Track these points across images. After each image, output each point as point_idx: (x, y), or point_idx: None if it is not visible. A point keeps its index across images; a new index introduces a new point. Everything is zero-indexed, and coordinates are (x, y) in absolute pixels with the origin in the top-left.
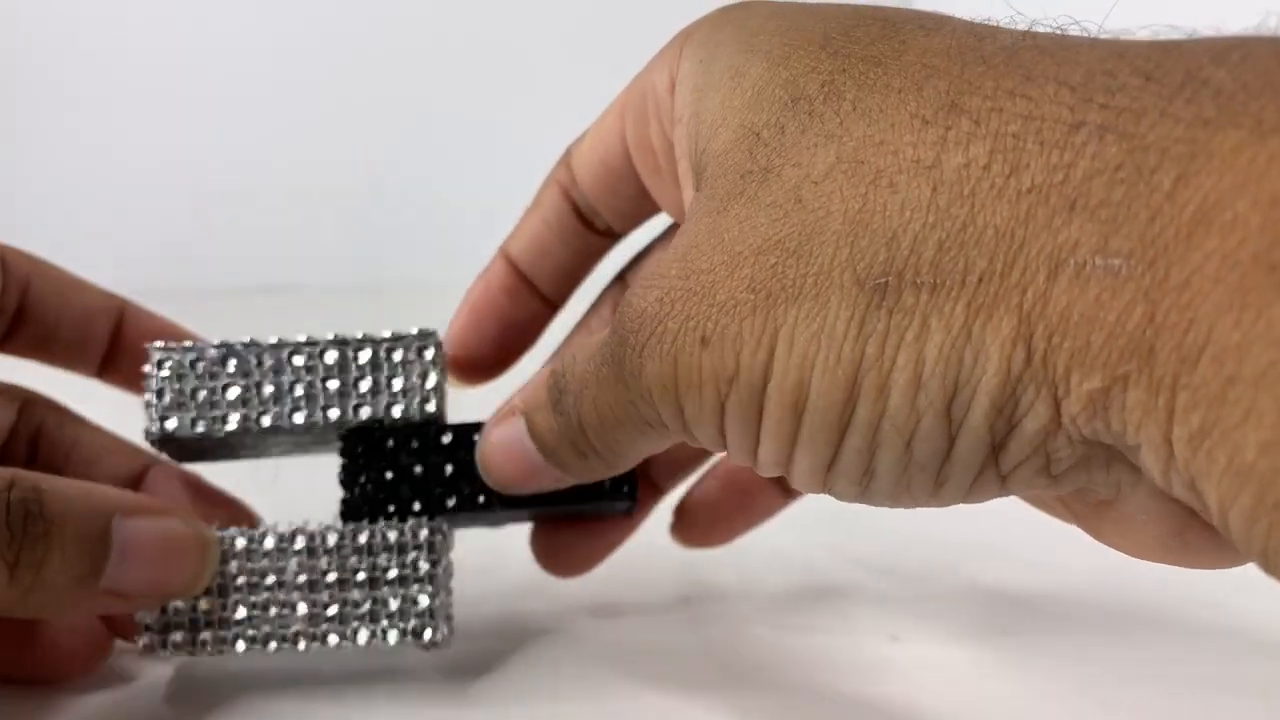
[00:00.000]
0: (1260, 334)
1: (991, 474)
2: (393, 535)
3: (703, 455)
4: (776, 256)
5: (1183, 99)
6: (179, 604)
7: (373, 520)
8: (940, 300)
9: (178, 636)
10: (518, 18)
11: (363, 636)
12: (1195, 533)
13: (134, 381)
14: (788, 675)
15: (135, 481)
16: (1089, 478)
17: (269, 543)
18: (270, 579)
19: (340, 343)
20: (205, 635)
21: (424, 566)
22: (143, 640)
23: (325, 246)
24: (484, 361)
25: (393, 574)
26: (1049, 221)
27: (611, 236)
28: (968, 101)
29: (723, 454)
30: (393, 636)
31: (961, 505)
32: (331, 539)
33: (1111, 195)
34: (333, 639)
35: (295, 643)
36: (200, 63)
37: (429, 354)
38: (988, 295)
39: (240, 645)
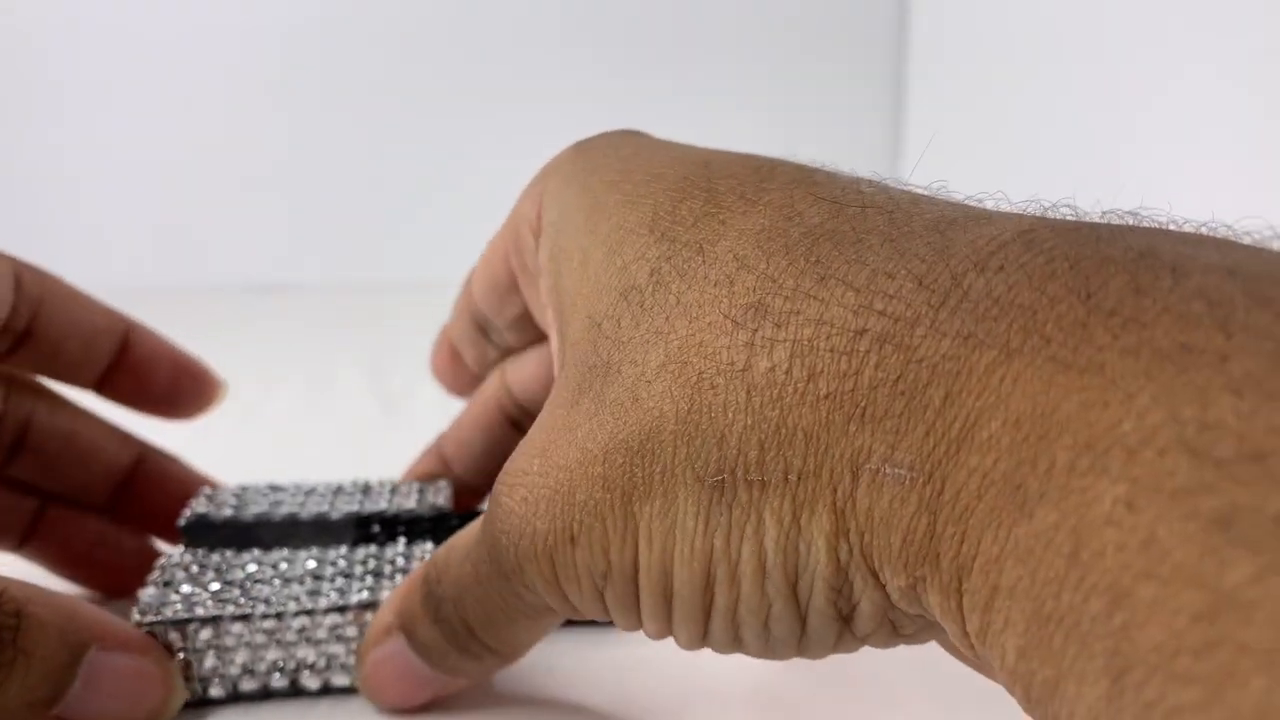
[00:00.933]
0: (1010, 551)
1: (849, 637)
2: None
3: None
4: (623, 456)
5: (948, 309)
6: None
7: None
8: (770, 496)
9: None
10: (517, 18)
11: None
12: None
13: (130, 399)
14: (787, 674)
15: (133, 466)
16: (938, 635)
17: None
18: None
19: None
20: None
21: None
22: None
23: (324, 246)
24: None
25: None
26: (845, 427)
27: (508, 350)
28: (771, 302)
29: None
30: None
31: None
32: (343, 563)
33: (893, 407)
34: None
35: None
36: (200, 62)
37: (442, 499)
38: (808, 492)
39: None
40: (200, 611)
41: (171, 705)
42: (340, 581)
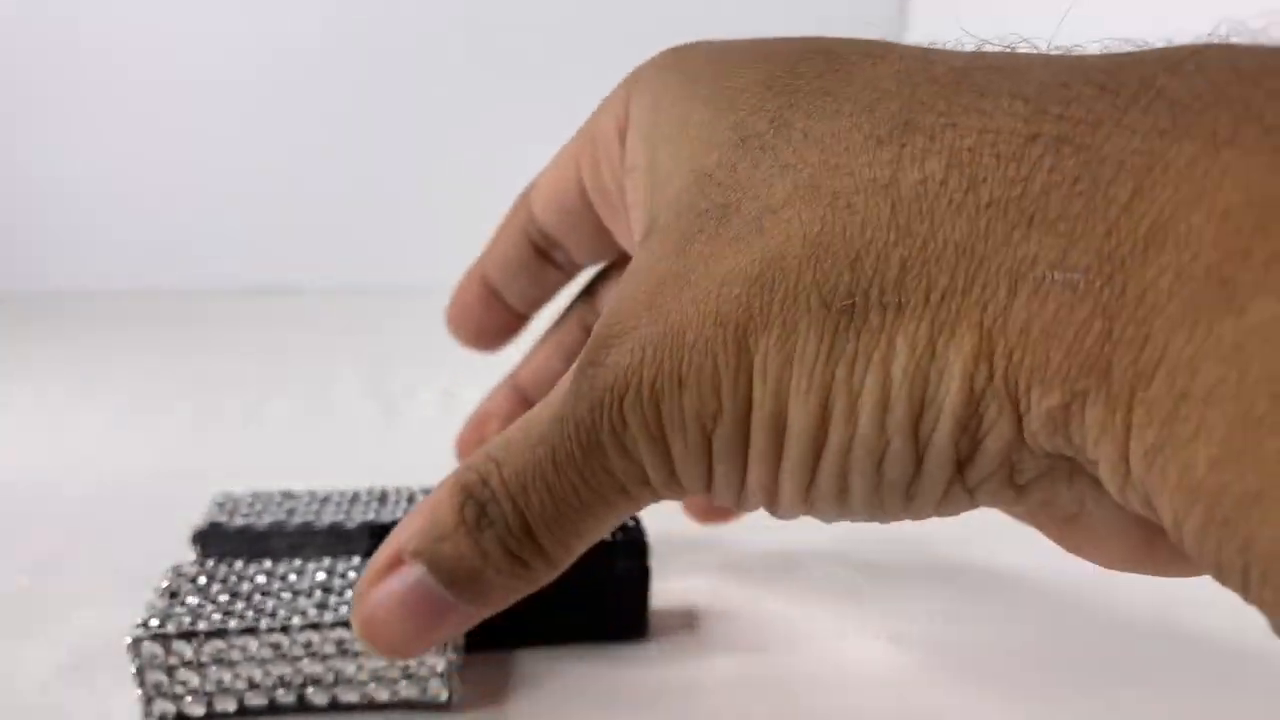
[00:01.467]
0: (1210, 350)
1: (959, 488)
2: None
3: None
4: (741, 286)
5: (1138, 109)
6: (190, 601)
7: None
8: (905, 319)
9: (184, 619)
10: (517, 22)
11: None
12: (1162, 545)
13: None
14: (788, 674)
15: None
16: (1054, 491)
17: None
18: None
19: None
20: (211, 616)
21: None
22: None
23: (324, 250)
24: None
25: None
26: (1008, 236)
27: (575, 269)
28: (921, 119)
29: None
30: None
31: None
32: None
33: (1069, 209)
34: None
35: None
36: (200, 63)
37: None
38: (950, 313)
39: (241, 621)
40: (204, 626)
41: None
42: (349, 595)
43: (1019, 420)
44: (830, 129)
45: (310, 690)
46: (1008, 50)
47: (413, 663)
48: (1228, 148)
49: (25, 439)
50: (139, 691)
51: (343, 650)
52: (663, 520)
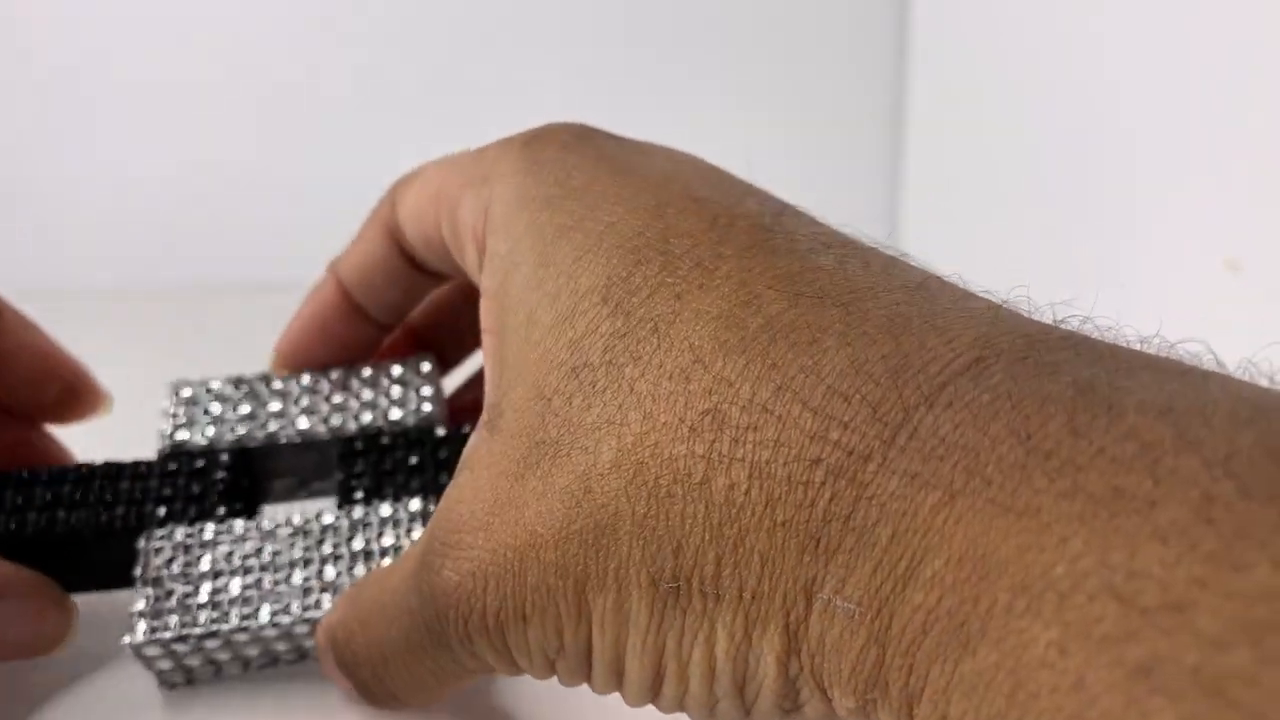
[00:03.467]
0: (957, 684)
1: None
2: (386, 510)
3: None
4: (577, 546)
5: (897, 448)
6: (176, 590)
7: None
8: (723, 610)
9: (173, 620)
10: (513, 21)
11: None
12: None
13: None
14: None
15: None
16: None
17: (266, 524)
18: (266, 557)
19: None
20: (200, 615)
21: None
22: (138, 633)
23: (324, 247)
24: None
25: (387, 543)
26: (799, 557)
27: (442, 277)
28: (728, 411)
29: None
30: None
31: None
32: (328, 518)
33: (844, 542)
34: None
35: (288, 611)
36: (200, 63)
37: (425, 367)
38: (760, 612)
39: (234, 618)
40: (199, 630)
41: (63, 635)
42: (330, 571)
43: (830, 704)
44: (651, 390)
45: (311, 646)
46: (816, 297)
47: None
48: (960, 498)
49: None
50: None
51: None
52: None
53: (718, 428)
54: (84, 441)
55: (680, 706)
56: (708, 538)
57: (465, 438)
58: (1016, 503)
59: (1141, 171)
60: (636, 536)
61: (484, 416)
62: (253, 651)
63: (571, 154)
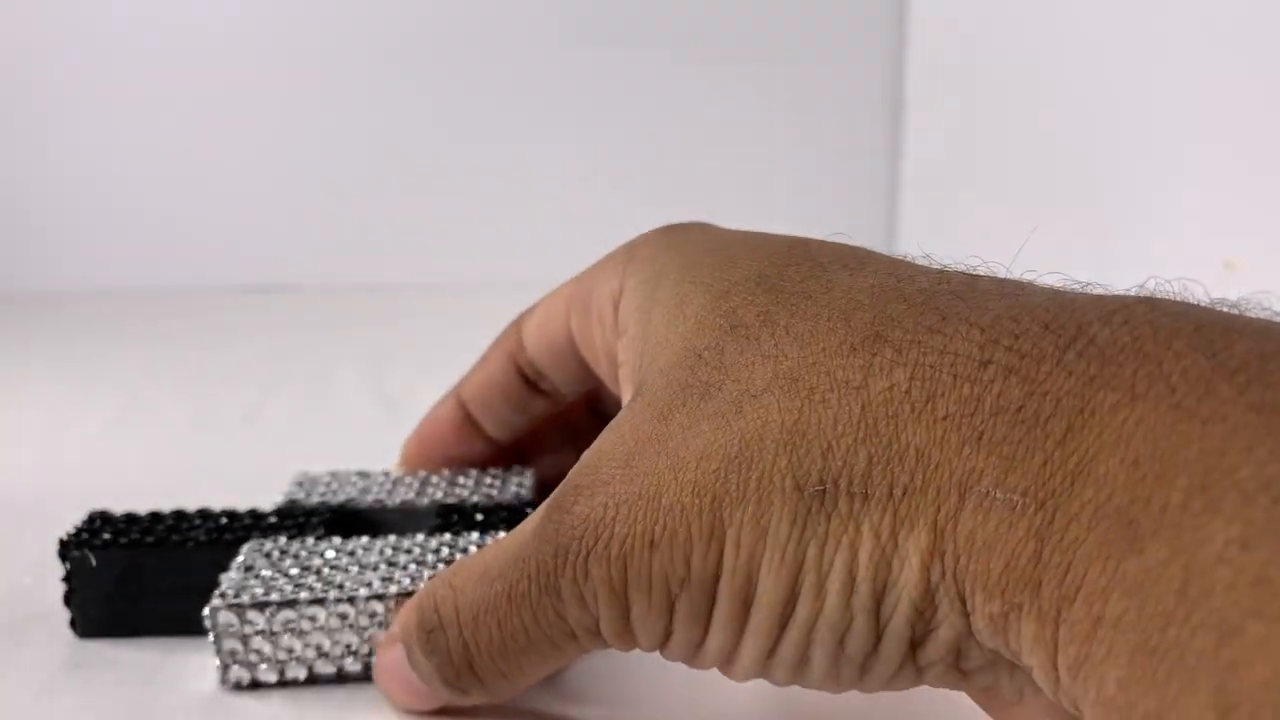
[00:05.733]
0: (1118, 583)
1: (910, 668)
2: (474, 536)
3: None
4: (719, 462)
5: (1074, 352)
6: (263, 574)
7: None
8: (871, 509)
9: (255, 589)
10: (517, 24)
11: None
12: None
13: None
14: None
15: None
16: (996, 680)
17: (355, 542)
18: (350, 558)
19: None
20: (277, 589)
21: None
22: (216, 599)
23: (324, 248)
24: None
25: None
26: (959, 449)
27: (561, 398)
28: (890, 334)
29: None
30: None
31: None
32: (416, 538)
33: (1012, 434)
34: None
35: (368, 585)
36: (200, 62)
37: (524, 471)
38: (910, 509)
39: (309, 594)
40: (275, 596)
41: None
42: (414, 568)
43: (966, 618)
44: (810, 329)
45: (376, 659)
46: (969, 276)
47: None
48: (1141, 401)
49: (25, 438)
50: (215, 660)
51: None
52: None
53: (880, 344)
54: (87, 440)
55: (808, 640)
56: (861, 435)
57: None
58: (1201, 409)
59: (1141, 172)
60: (784, 444)
61: (626, 400)
62: (323, 643)
63: (706, 230)
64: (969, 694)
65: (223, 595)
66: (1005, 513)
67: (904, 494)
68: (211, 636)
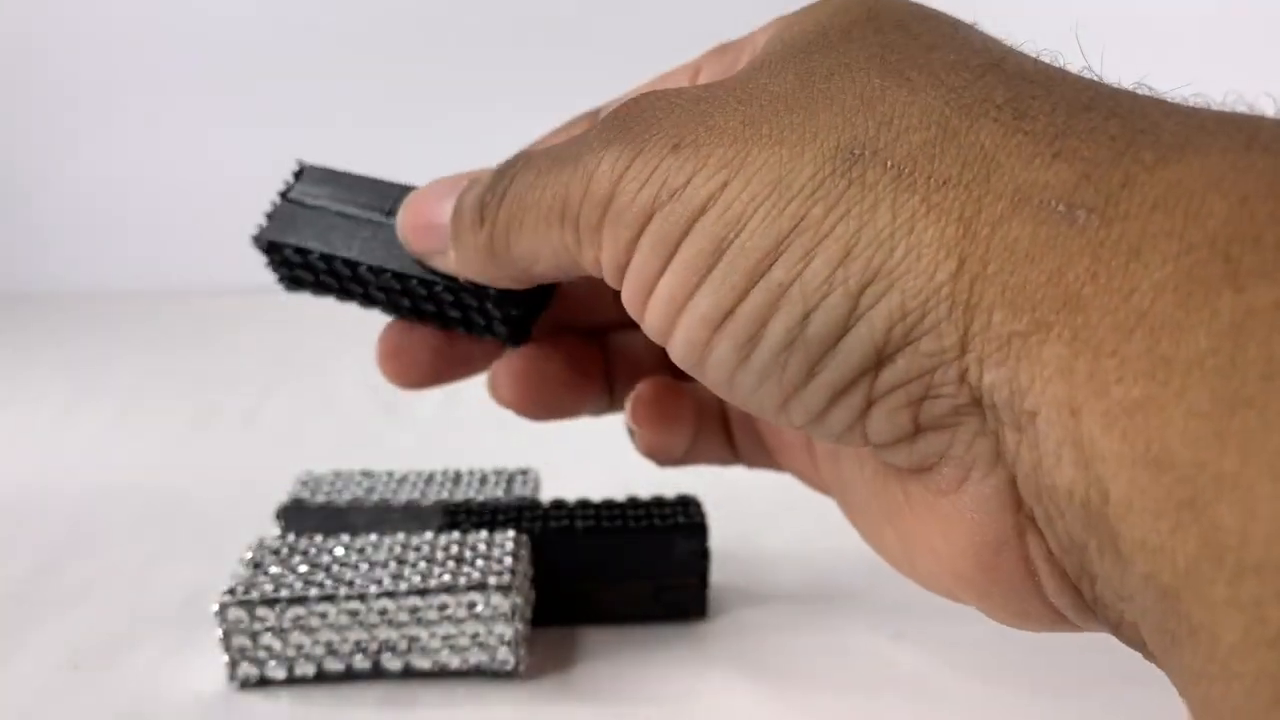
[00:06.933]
0: (1204, 320)
1: (861, 392)
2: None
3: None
4: (784, 106)
5: (1184, 113)
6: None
7: None
8: (900, 187)
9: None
10: (513, 19)
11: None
12: (1009, 555)
13: None
14: (791, 674)
15: None
16: (947, 447)
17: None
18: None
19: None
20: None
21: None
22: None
23: None
24: (412, 367)
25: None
26: (1031, 159)
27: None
28: (1006, 65)
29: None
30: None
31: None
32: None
33: (1097, 154)
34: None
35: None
36: (200, 63)
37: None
38: (944, 199)
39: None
40: (285, 593)
41: None
42: (423, 566)
43: (965, 334)
44: (938, 42)
45: (385, 656)
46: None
47: (482, 630)
48: (1261, 151)
49: (25, 438)
50: (225, 656)
51: (416, 618)
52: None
53: (992, 71)
54: (87, 440)
55: (770, 309)
56: (931, 119)
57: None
58: None
59: None
60: (851, 108)
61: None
62: (333, 640)
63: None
64: (897, 487)
65: (232, 591)
66: (1063, 226)
67: (944, 184)
68: (220, 633)
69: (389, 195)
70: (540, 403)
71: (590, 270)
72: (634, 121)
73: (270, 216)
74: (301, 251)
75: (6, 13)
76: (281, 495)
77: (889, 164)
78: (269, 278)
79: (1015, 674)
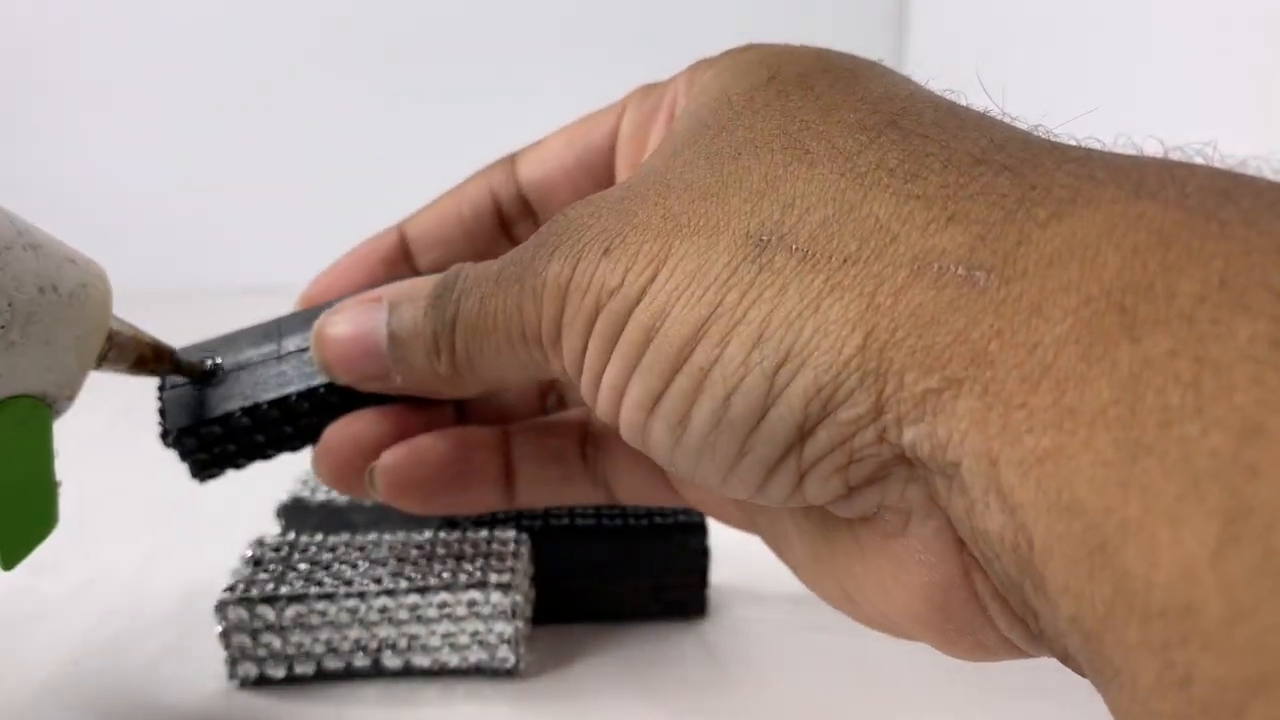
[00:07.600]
0: (1105, 372)
1: (792, 463)
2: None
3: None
4: (698, 194)
5: (1077, 161)
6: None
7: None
8: (804, 269)
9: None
10: (513, 20)
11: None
12: (959, 594)
13: None
14: (792, 672)
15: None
16: (882, 498)
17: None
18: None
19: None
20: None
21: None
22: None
23: (325, 248)
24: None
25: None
26: (926, 226)
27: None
28: (904, 123)
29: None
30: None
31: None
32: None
33: (990, 215)
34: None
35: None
36: (202, 65)
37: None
38: (846, 277)
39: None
40: (285, 591)
41: None
42: (423, 564)
43: (879, 399)
44: (838, 103)
45: (385, 655)
46: (987, 113)
47: (482, 628)
48: (1149, 199)
49: None
50: (224, 654)
51: (416, 616)
52: None
53: (890, 130)
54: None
55: (695, 389)
56: (827, 196)
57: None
58: (1221, 213)
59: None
60: (758, 192)
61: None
62: (332, 638)
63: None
64: (841, 539)
65: (231, 589)
66: (964, 289)
67: (844, 262)
68: (219, 630)
69: (268, 334)
70: (419, 497)
71: (559, 375)
72: (567, 233)
73: (164, 414)
74: (223, 420)
75: (6, 12)
76: (281, 494)
77: (794, 248)
78: (269, 278)
79: (1015, 674)
